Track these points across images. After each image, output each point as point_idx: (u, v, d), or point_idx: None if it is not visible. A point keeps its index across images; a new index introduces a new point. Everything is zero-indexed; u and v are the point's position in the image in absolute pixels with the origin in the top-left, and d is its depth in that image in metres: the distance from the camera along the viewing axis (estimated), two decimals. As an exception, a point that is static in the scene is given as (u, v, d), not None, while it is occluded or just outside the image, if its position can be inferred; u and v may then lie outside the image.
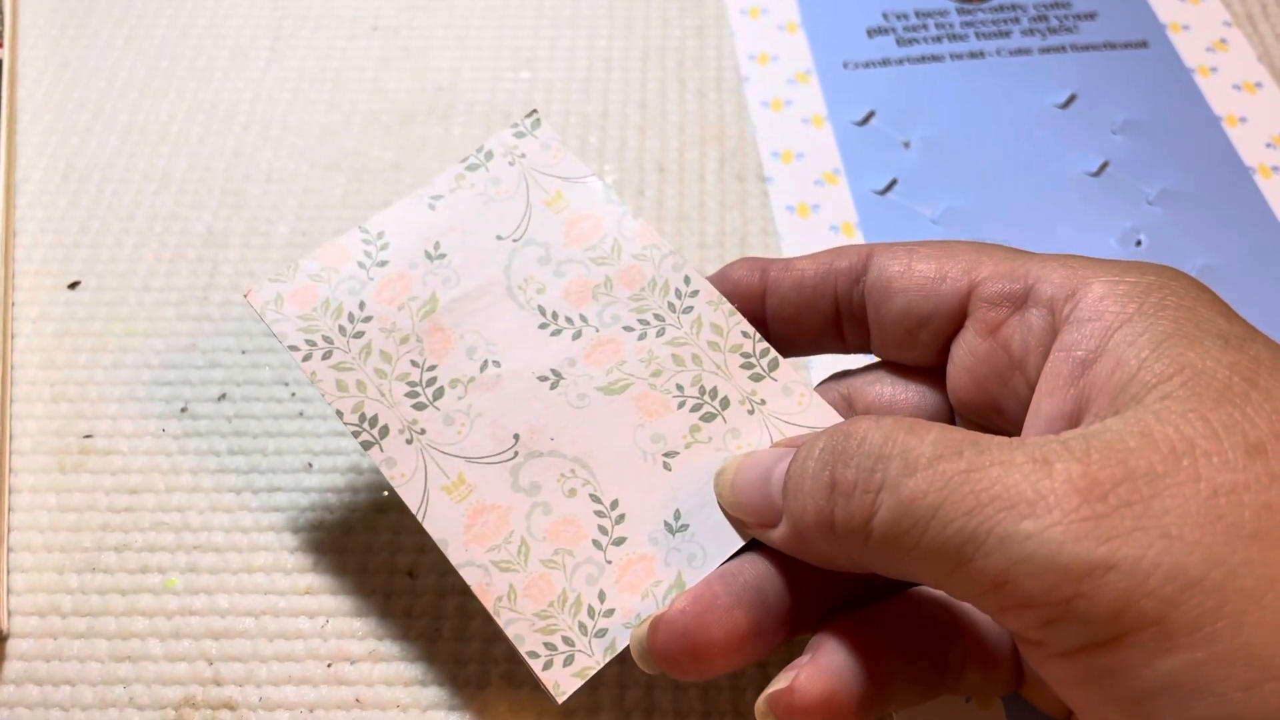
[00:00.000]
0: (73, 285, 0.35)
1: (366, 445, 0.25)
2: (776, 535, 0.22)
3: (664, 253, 0.27)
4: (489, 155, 0.28)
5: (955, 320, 0.24)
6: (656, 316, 0.26)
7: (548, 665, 0.23)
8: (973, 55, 0.41)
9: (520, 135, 0.28)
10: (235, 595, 0.28)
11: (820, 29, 0.42)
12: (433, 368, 0.25)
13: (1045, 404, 0.21)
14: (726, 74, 0.41)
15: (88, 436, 0.31)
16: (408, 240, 0.27)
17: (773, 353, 0.26)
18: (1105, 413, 0.19)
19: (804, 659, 0.22)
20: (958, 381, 0.24)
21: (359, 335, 0.25)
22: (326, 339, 0.25)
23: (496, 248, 0.27)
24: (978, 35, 0.42)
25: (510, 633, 0.23)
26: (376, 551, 0.29)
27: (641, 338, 0.26)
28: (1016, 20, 0.42)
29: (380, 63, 0.41)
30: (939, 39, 0.42)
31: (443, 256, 0.27)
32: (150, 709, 0.27)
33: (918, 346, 0.25)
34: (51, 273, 0.35)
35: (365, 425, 0.25)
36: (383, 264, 0.26)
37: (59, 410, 0.32)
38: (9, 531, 0.30)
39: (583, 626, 0.23)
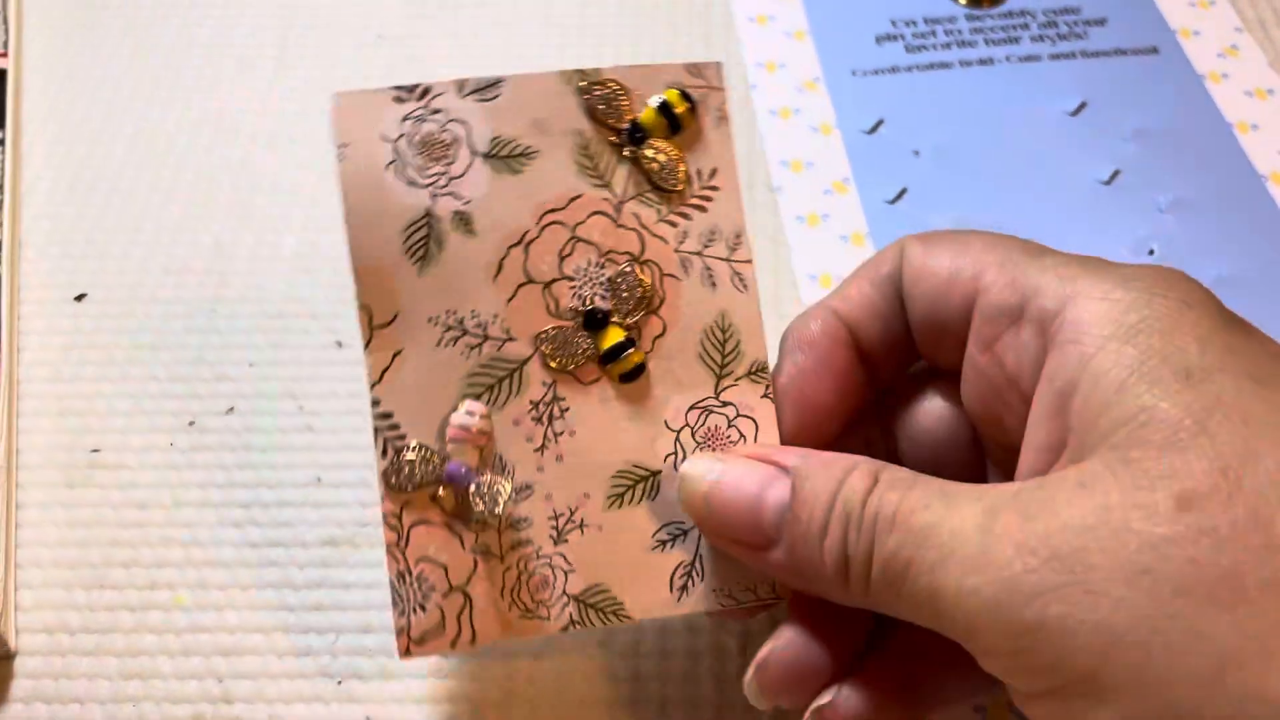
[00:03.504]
0: (79, 298, 0.35)
1: None
2: (773, 560, 0.22)
3: None
4: None
5: (966, 328, 0.23)
6: None
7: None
8: (982, 62, 0.41)
9: None
10: (245, 612, 0.28)
11: (828, 36, 0.42)
12: None
13: (1034, 434, 0.21)
14: (734, 82, 0.41)
15: (95, 451, 0.31)
16: None
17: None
18: (1076, 455, 0.19)
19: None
20: (965, 393, 0.24)
21: None
22: None
23: None
24: (987, 42, 0.41)
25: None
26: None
27: None
28: (1026, 26, 0.42)
29: (386, 71, 0.41)
30: (948, 45, 0.41)
31: None
32: (159, 727, 0.26)
33: (943, 352, 0.24)
34: (58, 285, 0.35)
35: None
36: None
37: (66, 424, 0.32)
38: (16, 548, 0.29)
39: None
